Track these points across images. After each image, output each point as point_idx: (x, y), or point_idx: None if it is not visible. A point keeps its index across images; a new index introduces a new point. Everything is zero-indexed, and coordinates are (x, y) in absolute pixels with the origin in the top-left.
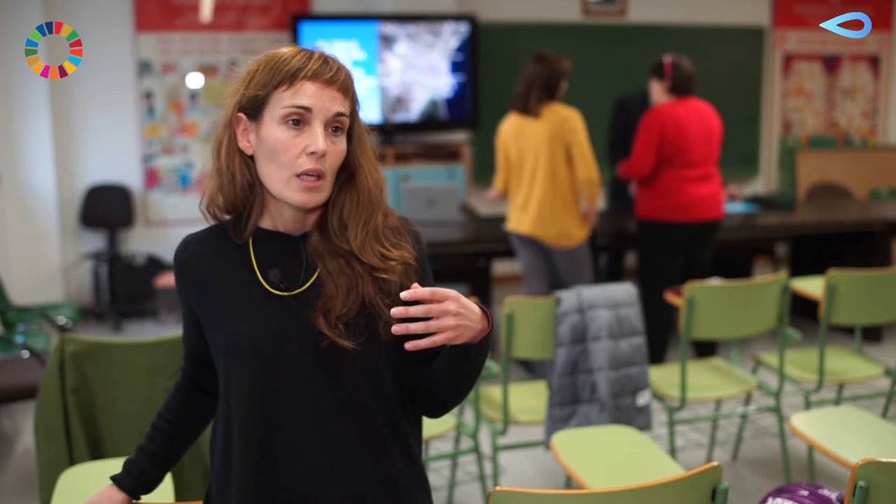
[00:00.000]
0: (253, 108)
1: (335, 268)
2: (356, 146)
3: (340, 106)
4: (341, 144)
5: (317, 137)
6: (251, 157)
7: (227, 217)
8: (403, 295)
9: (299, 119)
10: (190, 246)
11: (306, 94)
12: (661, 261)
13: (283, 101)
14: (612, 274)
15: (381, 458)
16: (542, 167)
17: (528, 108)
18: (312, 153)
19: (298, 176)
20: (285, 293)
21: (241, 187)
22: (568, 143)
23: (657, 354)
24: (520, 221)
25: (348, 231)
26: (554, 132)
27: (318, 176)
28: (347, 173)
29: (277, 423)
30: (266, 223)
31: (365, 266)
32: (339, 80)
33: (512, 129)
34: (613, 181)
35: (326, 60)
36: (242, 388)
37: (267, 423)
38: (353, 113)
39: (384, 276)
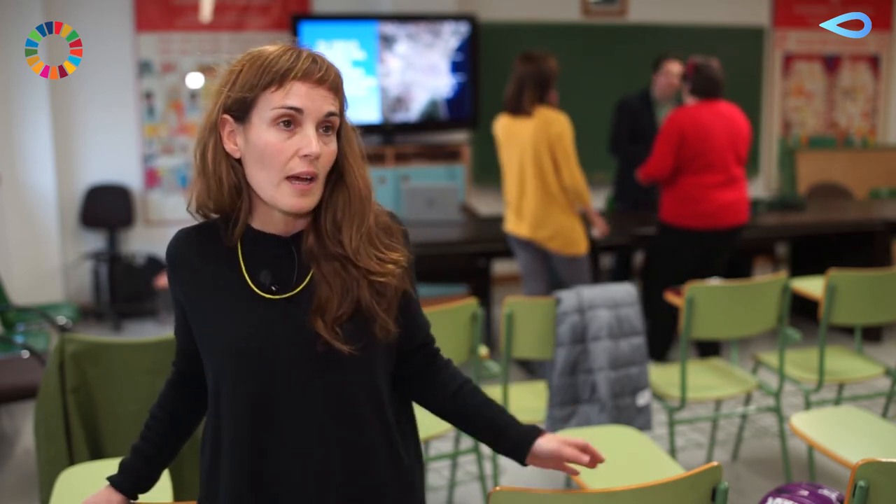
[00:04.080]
0: (240, 109)
1: (330, 271)
2: (345, 146)
3: (331, 105)
4: (332, 145)
5: (310, 140)
6: (238, 161)
7: (216, 216)
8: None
9: (290, 120)
10: (181, 243)
11: (297, 94)
12: (677, 263)
13: (273, 102)
14: (620, 274)
15: (369, 462)
16: (530, 169)
17: (520, 108)
18: (305, 156)
19: (290, 179)
20: (277, 296)
21: (228, 191)
22: (552, 147)
23: (661, 354)
24: (517, 224)
25: (342, 234)
26: (538, 135)
27: (311, 179)
28: (337, 174)
29: (269, 427)
30: (256, 224)
31: (361, 270)
32: (330, 79)
33: (503, 131)
34: (618, 182)
35: (315, 59)
36: (233, 392)
37: (259, 426)
38: (342, 112)
39: (381, 279)
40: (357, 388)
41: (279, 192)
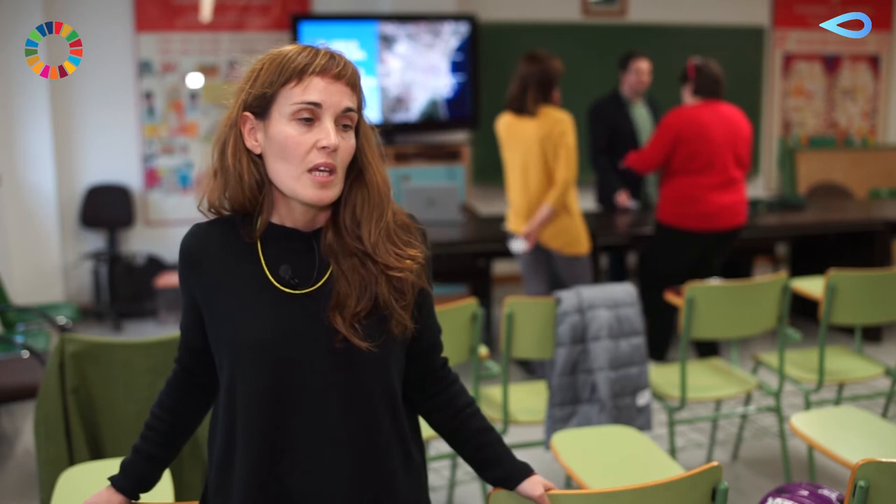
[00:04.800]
0: (260, 106)
1: (349, 267)
2: (363, 142)
3: (349, 101)
4: (351, 140)
5: (328, 132)
6: (259, 157)
7: (228, 214)
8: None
9: (309, 115)
10: (198, 237)
11: (315, 89)
12: (674, 264)
13: (293, 97)
14: (616, 275)
15: (381, 459)
16: (532, 168)
17: (524, 108)
18: (324, 147)
19: (310, 172)
20: (297, 291)
21: (249, 187)
22: (556, 146)
23: (659, 353)
24: (518, 223)
25: (361, 229)
26: (544, 135)
27: (330, 171)
28: (356, 170)
29: (285, 422)
30: (276, 219)
31: (379, 265)
32: (347, 75)
33: (505, 129)
34: (600, 186)
35: (333, 56)
36: (249, 387)
37: (274, 422)
38: (360, 109)
39: (399, 274)
40: (373, 384)
41: (300, 184)
